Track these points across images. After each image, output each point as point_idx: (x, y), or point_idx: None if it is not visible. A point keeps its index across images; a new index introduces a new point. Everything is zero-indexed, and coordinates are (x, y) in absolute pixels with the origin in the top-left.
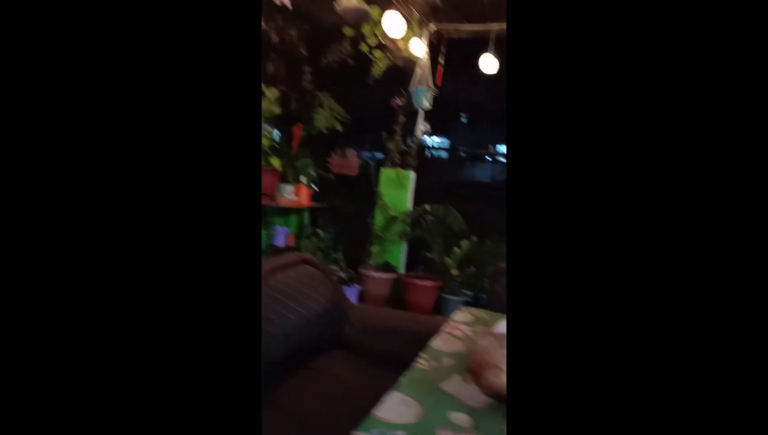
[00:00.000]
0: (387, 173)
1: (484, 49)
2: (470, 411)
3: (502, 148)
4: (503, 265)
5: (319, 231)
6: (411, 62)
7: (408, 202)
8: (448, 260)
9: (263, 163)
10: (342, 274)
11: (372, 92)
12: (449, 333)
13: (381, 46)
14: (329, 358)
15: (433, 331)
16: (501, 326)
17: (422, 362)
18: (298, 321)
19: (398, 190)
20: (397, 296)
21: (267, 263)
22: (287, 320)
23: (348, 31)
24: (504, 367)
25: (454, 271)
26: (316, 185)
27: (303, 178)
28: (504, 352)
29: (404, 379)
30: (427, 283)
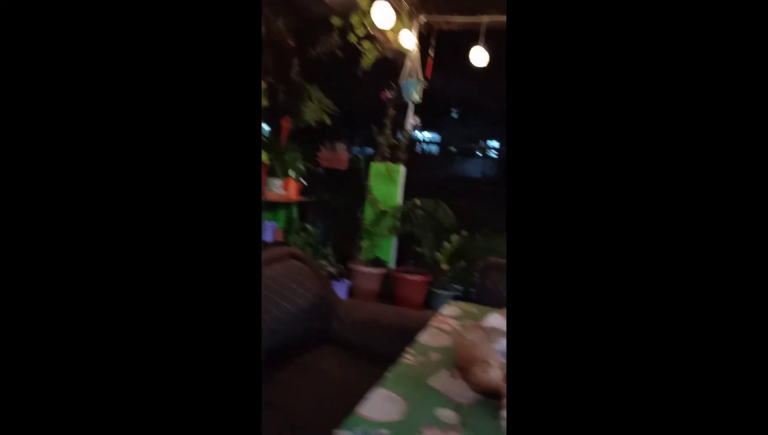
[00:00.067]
0: (377, 167)
1: (475, 42)
2: (457, 407)
3: (493, 144)
4: (493, 259)
5: (308, 226)
6: (401, 54)
7: (398, 196)
8: (438, 255)
9: None
10: (331, 270)
11: (361, 85)
12: (437, 327)
13: (370, 37)
14: (316, 354)
15: (422, 325)
16: (490, 320)
17: (409, 357)
18: (284, 316)
19: (388, 185)
20: (387, 291)
21: None
22: (273, 315)
23: (336, 21)
24: (493, 361)
25: (445, 266)
26: (304, 179)
27: (291, 172)
28: (493, 346)
29: (390, 375)
30: (417, 278)
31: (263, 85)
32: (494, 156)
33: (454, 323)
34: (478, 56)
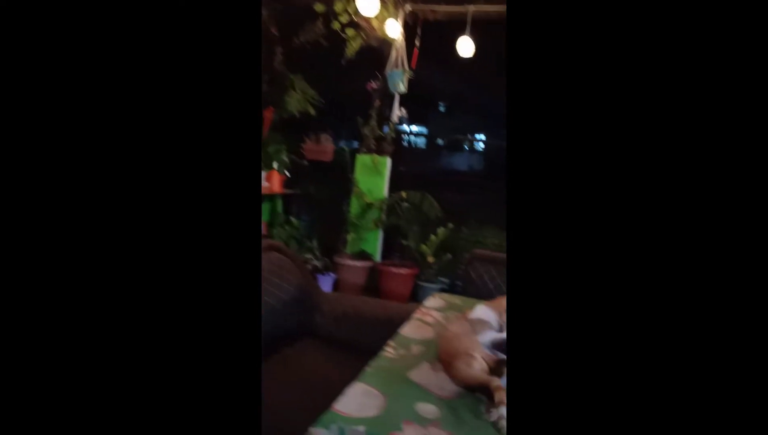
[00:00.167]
0: (363, 159)
1: (461, 32)
2: (438, 401)
3: (479, 135)
4: (479, 251)
5: (293, 219)
6: (386, 44)
7: (384, 189)
8: (424, 248)
9: None
10: (317, 263)
11: (346, 75)
12: (420, 319)
13: (354, 25)
14: (298, 348)
15: (406, 318)
16: (477, 311)
17: (389, 350)
18: (265, 310)
19: (374, 177)
20: (374, 285)
21: None
22: None
23: (319, 8)
24: (477, 354)
25: (431, 259)
26: (288, 171)
27: (275, 164)
28: (477, 338)
29: (369, 369)
30: (404, 271)
31: None
32: (481, 148)
33: (437, 315)
34: (465, 46)
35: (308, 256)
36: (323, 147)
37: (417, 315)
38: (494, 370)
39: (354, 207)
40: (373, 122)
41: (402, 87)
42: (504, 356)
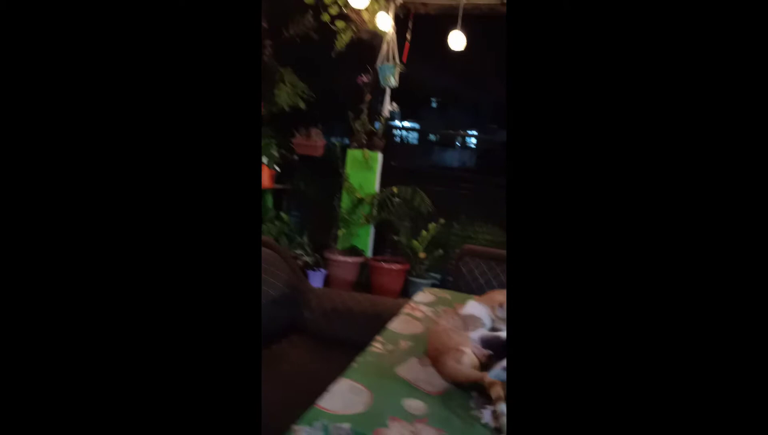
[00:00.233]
0: (354, 154)
1: (452, 26)
2: (426, 397)
3: (471, 130)
4: (470, 247)
5: (283, 214)
6: (377, 37)
7: (375, 184)
8: (415, 243)
9: None
10: (308, 259)
11: (337, 68)
12: (409, 314)
13: (344, 17)
14: (286, 344)
15: (396, 313)
16: (468, 307)
17: (377, 346)
18: None
19: (365, 172)
20: (365, 280)
21: None
22: None
23: (309, 0)
24: (467, 349)
25: (422, 254)
26: (278, 166)
27: (265, 159)
28: (467, 334)
29: (356, 365)
30: (395, 267)
31: None
32: (472, 144)
33: (426, 310)
34: (456, 40)
35: (299, 251)
36: (313, 142)
37: (406, 310)
38: (484, 365)
39: (345, 202)
40: (364, 117)
41: (393, 81)
42: (492, 352)
